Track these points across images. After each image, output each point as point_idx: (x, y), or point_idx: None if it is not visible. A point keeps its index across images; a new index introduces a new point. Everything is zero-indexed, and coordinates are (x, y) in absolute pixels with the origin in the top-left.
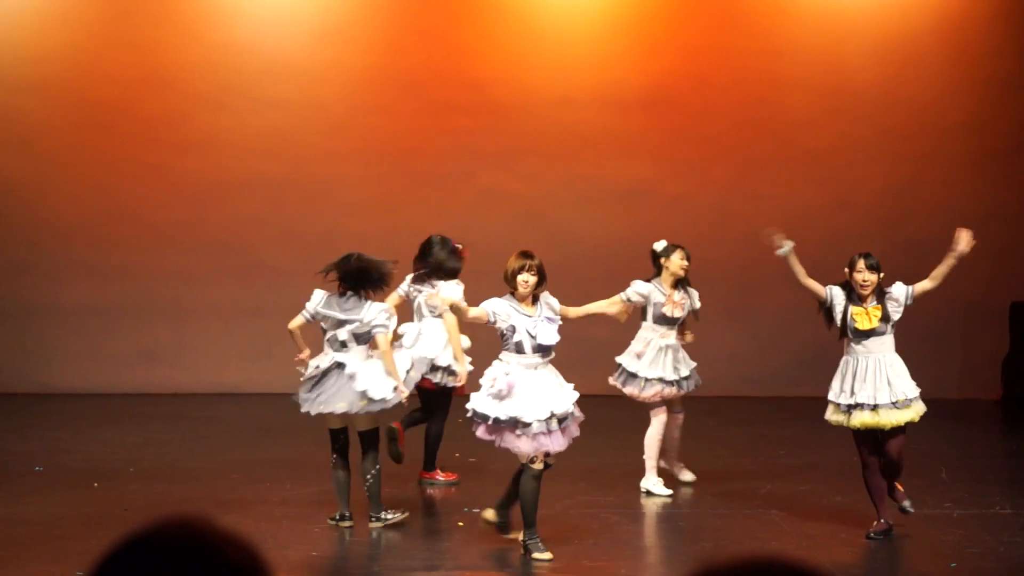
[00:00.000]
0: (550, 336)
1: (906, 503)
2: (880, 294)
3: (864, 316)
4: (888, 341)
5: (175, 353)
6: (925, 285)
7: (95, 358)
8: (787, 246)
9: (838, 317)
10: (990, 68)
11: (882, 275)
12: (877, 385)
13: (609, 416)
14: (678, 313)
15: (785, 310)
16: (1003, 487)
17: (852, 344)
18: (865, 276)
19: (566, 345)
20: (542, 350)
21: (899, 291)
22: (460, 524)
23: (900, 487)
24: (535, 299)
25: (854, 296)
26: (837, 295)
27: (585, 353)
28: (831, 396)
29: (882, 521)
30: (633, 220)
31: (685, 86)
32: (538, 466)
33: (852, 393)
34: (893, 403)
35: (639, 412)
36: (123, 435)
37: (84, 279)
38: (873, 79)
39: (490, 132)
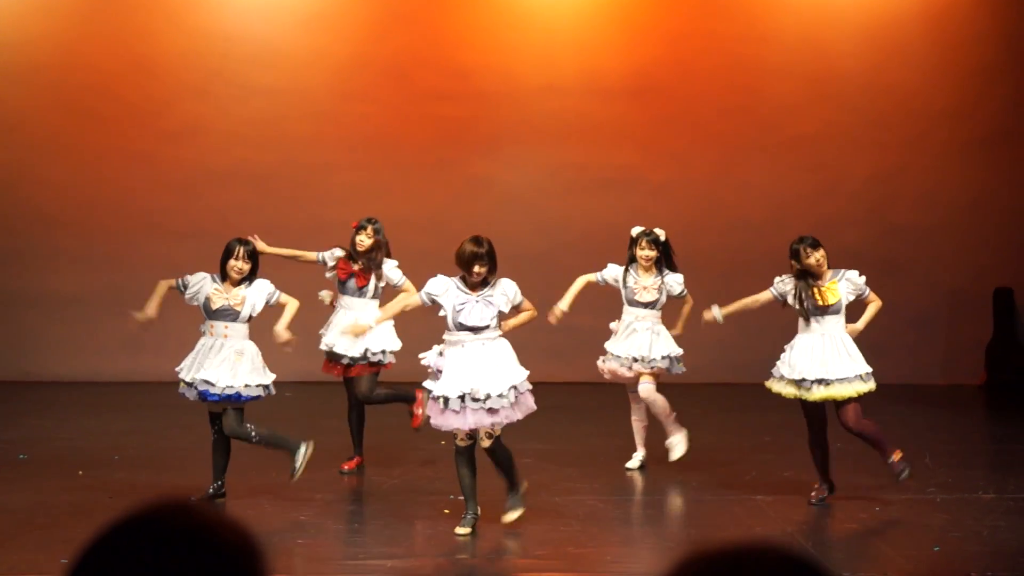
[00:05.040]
0: (475, 318)
1: (903, 473)
2: (835, 274)
3: (826, 292)
4: (842, 320)
5: (160, 341)
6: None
7: (80, 346)
8: (716, 313)
9: (794, 301)
10: (975, 55)
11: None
12: (837, 360)
13: (595, 403)
14: (648, 297)
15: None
16: (987, 472)
17: (810, 323)
18: (815, 257)
19: (552, 333)
20: (467, 329)
21: (858, 279)
22: (446, 512)
23: (896, 455)
24: (486, 282)
25: (808, 278)
26: (787, 285)
27: (571, 341)
28: (785, 372)
29: (823, 487)
30: (618, 208)
31: (670, 73)
32: (461, 443)
33: (809, 369)
34: (858, 376)
35: (624, 399)
36: (108, 423)
37: (69, 267)
38: (858, 66)
39: (475, 120)
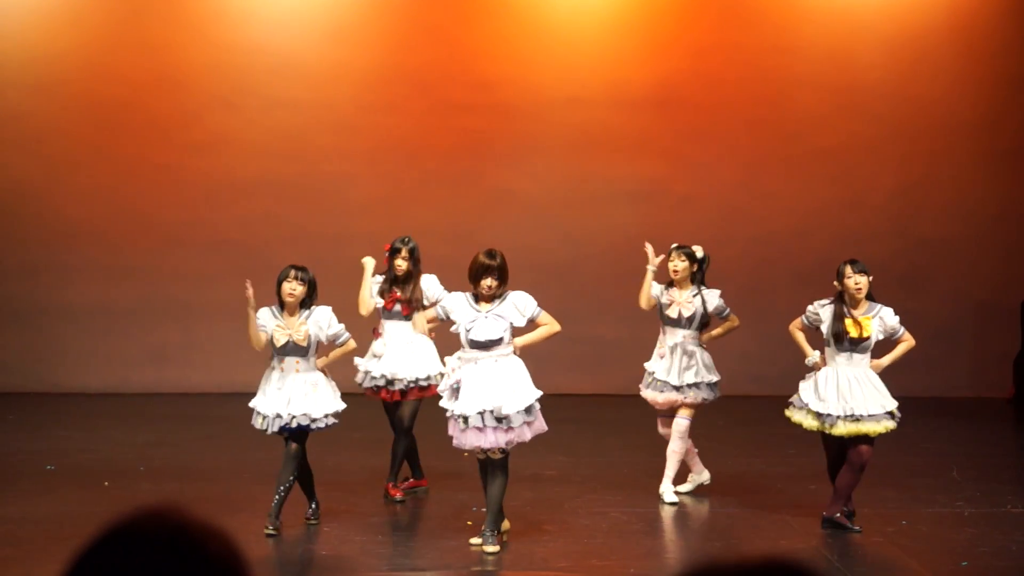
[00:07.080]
0: (486, 333)
1: (848, 525)
2: (871, 308)
3: (856, 326)
4: (868, 357)
5: (185, 353)
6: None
7: (106, 358)
8: (815, 358)
9: (827, 329)
10: (1001, 65)
11: (871, 278)
12: (863, 395)
13: (618, 416)
14: (683, 313)
15: (794, 309)
16: (1015, 486)
17: (836, 356)
18: (857, 280)
19: (575, 344)
20: (479, 345)
21: (892, 318)
22: (469, 523)
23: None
24: (499, 295)
25: (843, 306)
26: (823, 313)
27: (593, 353)
28: (810, 404)
29: (840, 514)
30: (642, 219)
31: (694, 85)
32: (480, 456)
33: (835, 403)
34: (887, 412)
35: (647, 411)
36: (134, 435)
37: (94, 279)
38: (883, 77)
39: (499, 132)
